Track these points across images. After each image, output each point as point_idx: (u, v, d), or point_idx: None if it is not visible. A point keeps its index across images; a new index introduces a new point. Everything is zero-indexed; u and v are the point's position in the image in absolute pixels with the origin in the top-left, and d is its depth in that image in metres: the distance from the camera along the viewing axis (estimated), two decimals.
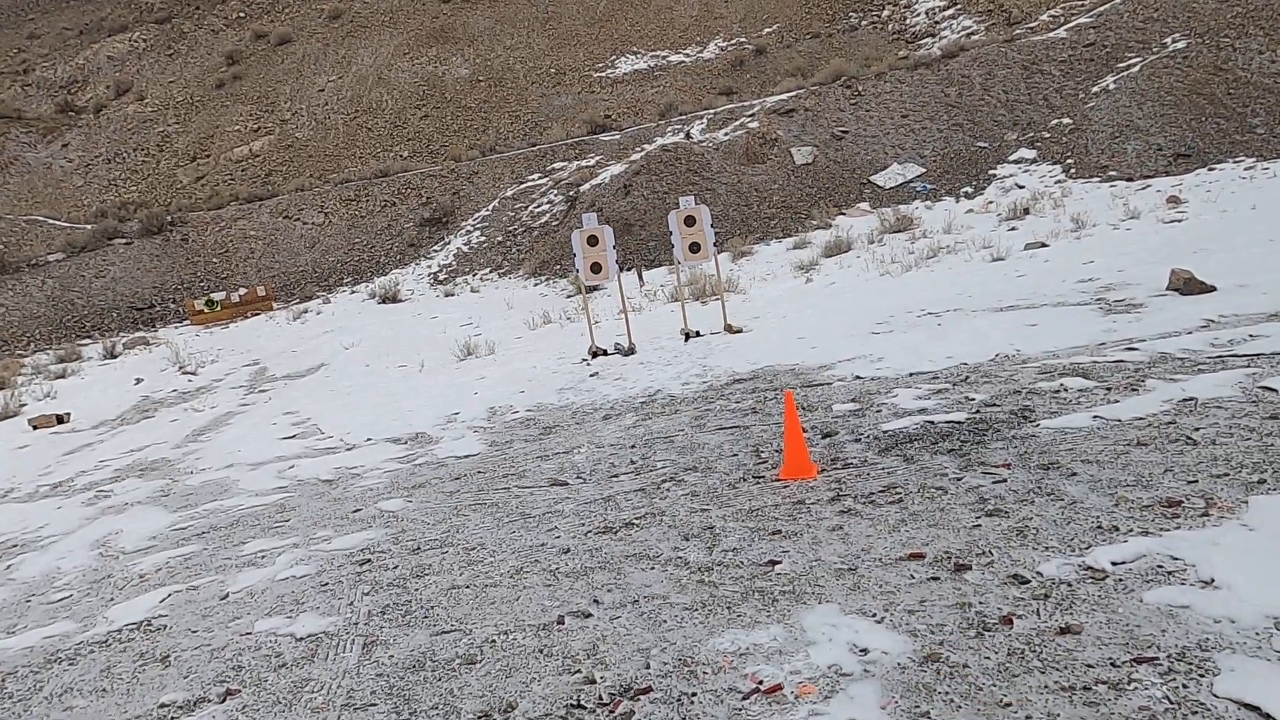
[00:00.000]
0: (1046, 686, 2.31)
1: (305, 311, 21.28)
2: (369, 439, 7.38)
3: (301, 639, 3.48)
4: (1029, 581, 2.88)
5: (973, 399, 5.16)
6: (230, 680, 3.23)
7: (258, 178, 33.52)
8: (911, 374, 6.08)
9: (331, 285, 24.05)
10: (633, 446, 5.56)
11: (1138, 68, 19.06)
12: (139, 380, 14.53)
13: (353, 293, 22.90)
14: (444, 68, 37.23)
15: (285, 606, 3.86)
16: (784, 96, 24.05)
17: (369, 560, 4.27)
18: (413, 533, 4.60)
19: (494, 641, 3.15)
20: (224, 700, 3.07)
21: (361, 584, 3.97)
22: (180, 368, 15.33)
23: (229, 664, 3.37)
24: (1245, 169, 15.16)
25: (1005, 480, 3.79)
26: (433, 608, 3.55)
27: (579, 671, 2.83)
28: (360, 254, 25.48)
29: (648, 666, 2.78)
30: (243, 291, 23.12)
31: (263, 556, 4.65)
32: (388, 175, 28.38)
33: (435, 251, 24.12)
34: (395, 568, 4.10)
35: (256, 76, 40.56)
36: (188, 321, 22.82)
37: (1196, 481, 3.40)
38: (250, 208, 28.19)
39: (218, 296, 22.98)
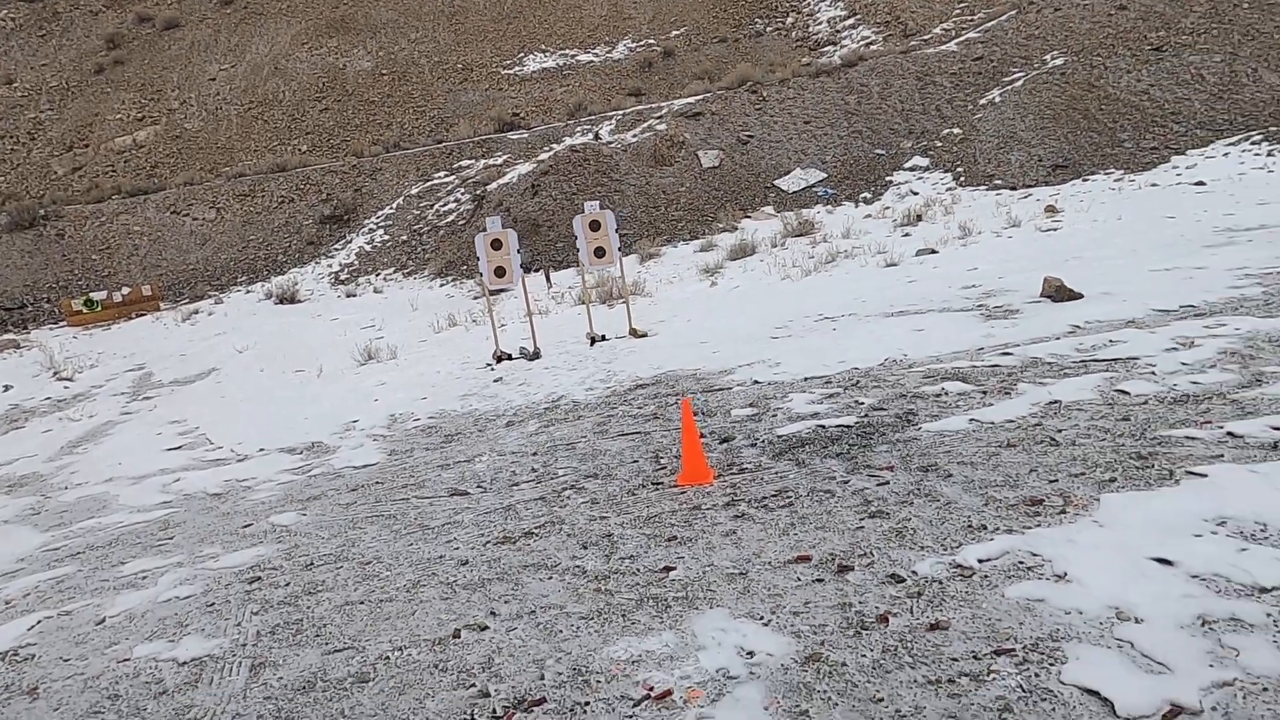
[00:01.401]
0: (915, 681, 2.46)
1: (196, 312, 20.28)
2: (262, 449, 7.13)
3: (185, 663, 3.36)
4: (905, 580, 3.05)
5: (862, 403, 5.39)
6: (105, 711, 3.08)
7: (142, 170, 31.72)
8: (806, 378, 6.30)
9: (224, 285, 23.00)
10: (534, 454, 5.57)
11: (1020, 82, 20.20)
12: (7, 387, 13.56)
13: (248, 293, 21.97)
14: (345, 59, 36.11)
15: (167, 629, 3.70)
16: (691, 100, 24.39)
17: (259, 578, 4.15)
18: (306, 547, 4.49)
19: (388, 658, 3.12)
20: None
21: (250, 603, 3.85)
22: (55, 373, 14.37)
23: (104, 694, 3.22)
24: (1114, 181, 16.29)
25: (888, 483, 3.99)
26: (325, 625, 3.48)
27: (474, 686, 2.83)
28: (256, 252, 24.46)
29: (542, 678, 2.81)
30: (126, 291, 21.82)
31: (144, 577, 4.45)
32: (285, 170, 27.34)
33: (336, 250, 23.40)
34: (287, 585, 3.99)
35: (140, 62, 38.35)
36: (64, 323, 21.39)
37: (1057, 480, 3.66)
38: (134, 201, 26.66)
39: (98, 296, 21.62)
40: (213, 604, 3.91)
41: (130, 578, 4.48)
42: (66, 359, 15.42)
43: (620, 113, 25.77)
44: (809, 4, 34.67)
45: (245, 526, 5.06)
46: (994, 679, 2.40)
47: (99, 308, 21.30)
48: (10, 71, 38.56)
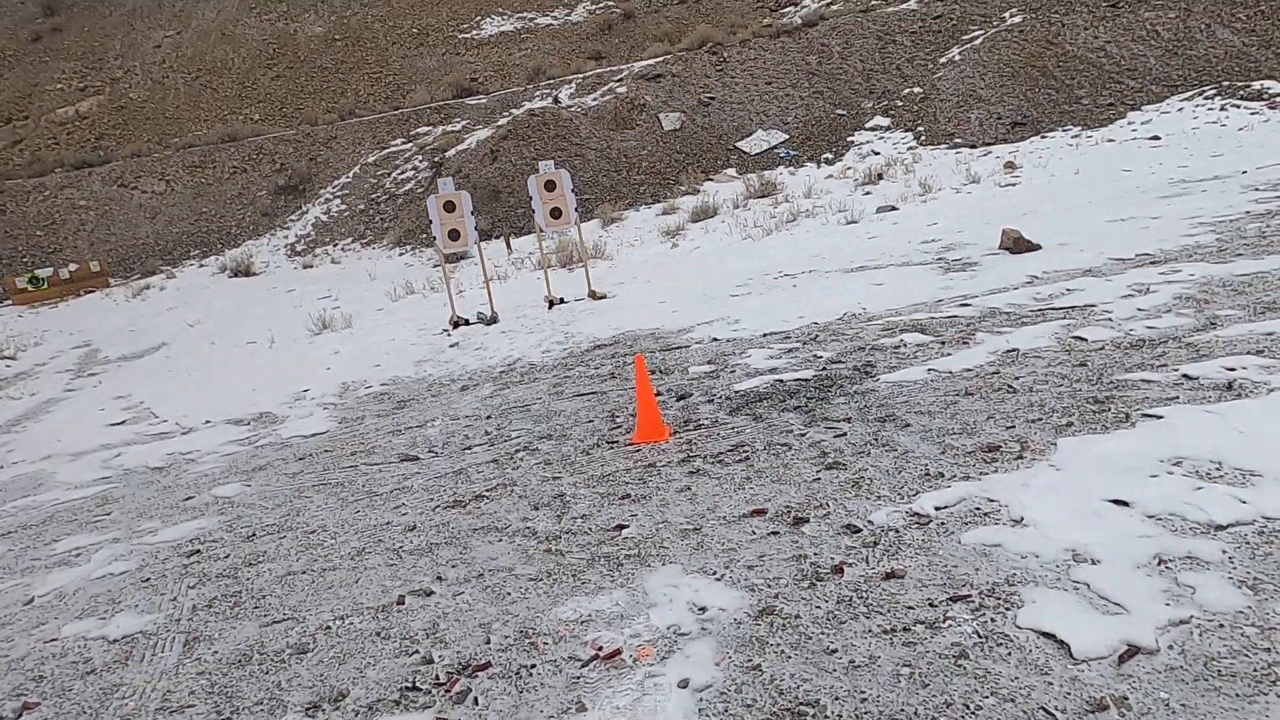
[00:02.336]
0: (870, 630, 2.39)
1: (146, 288, 19.68)
2: (207, 421, 6.88)
3: (115, 641, 3.20)
4: (860, 530, 2.98)
5: (820, 357, 5.31)
6: (29, 693, 2.92)
7: (86, 142, 30.57)
8: (765, 335, 6.21)
9: (176, 259, 22.33)
10: (488, 417, 5.43)
11: (979, 40, 20.13)
12: None
13: (201, 266, 21.35)
14: (295, 25, 34.96)
15: (99, 607, 3.53)
16: (652, 62, 24.00)
17: (198, 551, 3.98)
18: (249, 519, 4.32)
19: (329, 628, 2.99)
20: (19, 716, 2.78)
21: (188, 577, 3.69)
22: None
23: (29, 675, 3.05)
24: (1072, 137, 16.34)
25: (845, 434, 3.91)
26: (264, 597, 3.34)
27: (417, 652, 2.72)
28: (208, 225, 23.75)
29: (488, 641, 2.70)
30: (73, 267, 21.09)
31: (77, 554, 4.25)
32: (237, 140, 26.50)
33: (292, 221, 22.79)
34: (226, 557, 3.83)
35: (80, 30, 36.83)
36: (9, 301, 20.65)
37: (1014, 427, 3.61)
38: (79, 175, 25.69)
39: (43, 273, 20.88)
40: (148, 579, 3.74)
41: (63, 556, 4.28)
42: (9, 337, 14.87)
43: (580, 76, 25.30)
44: None
45: (186, 499, 4.87)
46: (950, 626, 2.34)
47: (45, 285, 20.58)
48: None
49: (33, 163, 28.26)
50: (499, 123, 22.55)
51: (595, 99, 22.38)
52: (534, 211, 9.36)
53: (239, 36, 34.99)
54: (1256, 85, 16.45)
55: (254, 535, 4.05)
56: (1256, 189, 8.67)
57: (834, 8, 27.58)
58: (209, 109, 31.84)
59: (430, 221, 9.24)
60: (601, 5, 34.09)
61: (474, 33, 33.95)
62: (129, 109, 32.79)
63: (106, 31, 36.61)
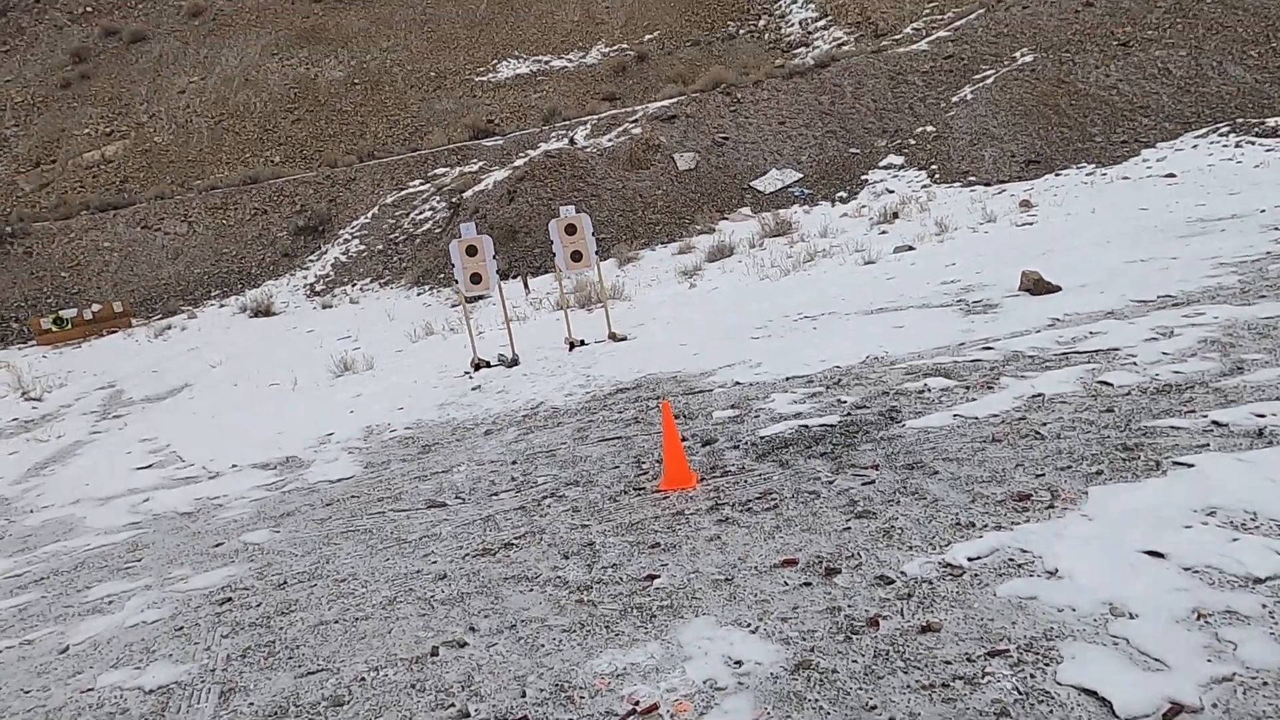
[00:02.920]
0: (909, 686, 2.39)
1: (168, 328, 19.95)
2: (234, 465, 6.96)
3: (151, 691, 3.22)
4: (894, 582, 2.98)
5: (844, 401, 5.33)
6: None
7: (111, 185, 31.24)
8: (788, 378, 6.24)
9: (197, 299, 22.66)
10: (514, 462, 5.46)
11: (991, 79, 20.34)
12: None
13: (221, 306, 21.65)
14: (316, 70, 35.79)
15: (134, 656, 3.56)
16: (666, 103, 24.37)
17: (230, 599, 4.01)
18: (279, 566, 4.35)
19: (363, 679, 3.00)
20: None
21: (221, 625, 3.71)
22: (23, 393, 14.05)
23: None
24: (1087, 175, 16.41)
25: (873, 481, 3.92)
26: (298, 647, 3.36)
27: (453, 705, 2.73)
28: (229, 265, 24.13)
29: (524, 695, 2.71)
30: (96, 308, 21.43)
31: (110, 602, 4.29)
32: (258, 182, 27.02)
33: (311, 261, 23.12)
34: (259, 605, 3.86)
35: (108, 76, 37.83)
36: (33, 342, 20.97)
37: (1043, 475, 3.61)
38: (103, 217, 26.23)
39: (68, 314, 21.22)
40: (181, 628, 3.77)
41: (96, 603, 4.32)
42: (35, 379, 15.09)
43: (595, 117, 25.70)
44: (781, 6, 34.83)
45: (216, 546, 4.91)
46: (989, 681, 2.33)
47: (69, 326, 20.91)
48: None
49: (59, 205, 28.89)
50: (515, 164, 22.89)
51: (610, 140, 22.71)
52: (554, 254, 9.49)
53: (261, 82, 35.84)
54: (1271, 122, 16.50)
55: (285, 583, 4.08)
56: (1277, 228, 8.67)
57: (845, 48, 27.98)
58: (231, 152, 32.52)
59: (452, 264, 9.37)
60: (615, 48, 34.74)
61: (490, 76, 34.63)
62: (153, 152, 33.53)
63: (133, 78, 37.58)
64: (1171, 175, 14.76)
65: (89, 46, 39.26)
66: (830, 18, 32.73)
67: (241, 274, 23.54)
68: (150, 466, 7.62)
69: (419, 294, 19.00)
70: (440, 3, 38.88)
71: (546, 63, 34.83)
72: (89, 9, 42.72)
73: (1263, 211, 9.91)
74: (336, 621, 3.53)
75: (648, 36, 34.94)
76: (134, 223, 25.87)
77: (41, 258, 24.68)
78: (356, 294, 20.35)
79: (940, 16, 27.16)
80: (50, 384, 14.79)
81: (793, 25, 33.50)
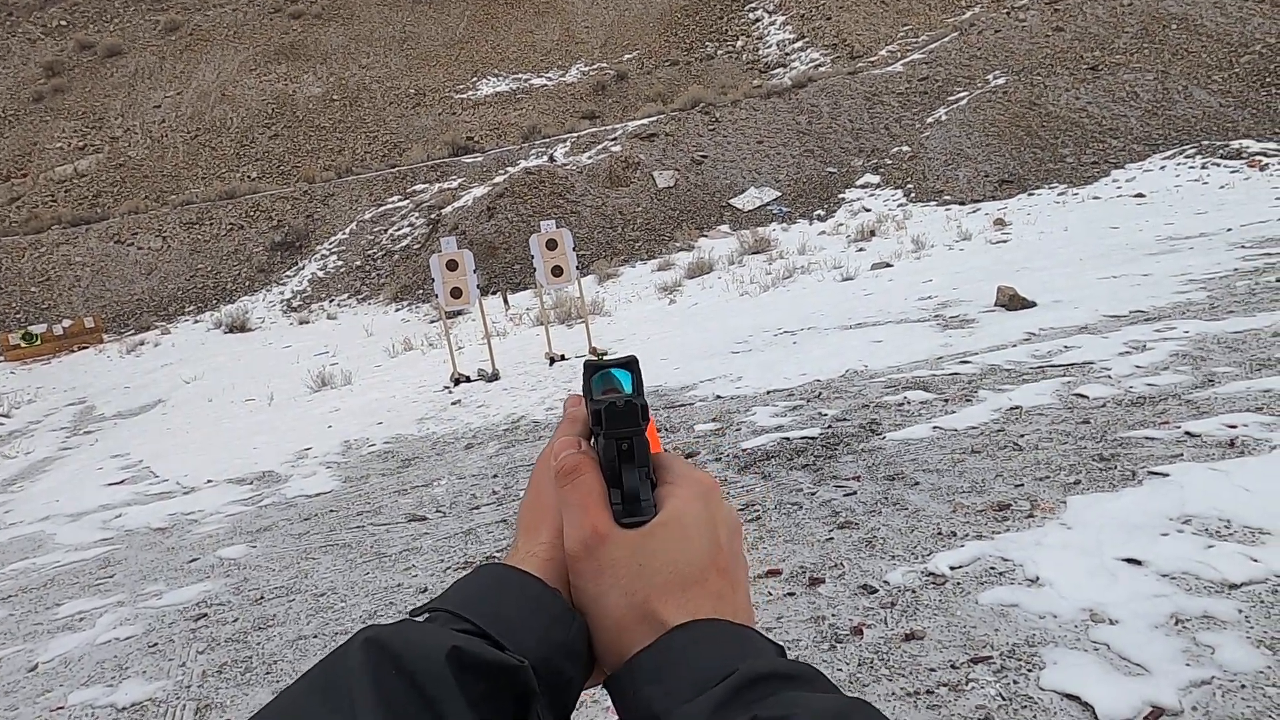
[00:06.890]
0: (894, 693, 2.39)
1: (141, 344, 19.68)
2: (209, 481, 6.85)
3: (124, 709, 3.15)
4: (877, 591, 2.99)
5: (825, 414, 5.36)
6: None
7: (84, 199, 30.86)
8: (769, 391, 6.27)
9: (172, 315, 22.38)
10: (495, 476, 5.43)
11: (965, 101, 20.71)
12: None
13: (196, 322, 21.40)
14: (295, 85, 35.69)
15: (106, 674, 3.48)
16: (645, 121, 24.55)
17: (205, 614, 3.94)
18: (256, 581, 4.28)
19: None
20: None
21: (196, 641, 3.65)
22: None
23: None
24: (1059, 194, 16.73)
25: (855, 493, 3.94)
26: (276, 662, 3.30)
27: None
28: (204, 281, 23.88)
29: None
30: (67, 323, 21.10)
31: (81, 619, 4.20)
32: (234, 197, 26.83)
33: (288, 277, 22.94)
34: (235, 621, 3.79)
35: (82, 90, 37.47)
36: (2, 358, 20.59)
37: (1022, 485, 3.65)
38: (75, 232, 25.89)
39: (37, 329, 20.87)
40: (155, 644, 3.69)
41: (66, 620, 4.23)
42: (2, 395, 14.80)
43: (575, 135, 25.83)
44: (759, 28, 35.28)
45: (191, 561, 4.82)
46: (973, 688, 2.34)
47: (38, 341, 20.55)
48: None
49: (30, 220, 28.47)
50: (495, 180, 22.93)
51: (590, 157, 22.82)
52: (535, 269, 9.49)
53: (238, 97, 35.67)
54: (1235, 144, 16.93)
55: (262, 598, 4.02)
56: (1243, 246, 8.88)
57: (822, 69, 28.37)
58: (207, 167, 32.28)
59: (431, 279, 9.34)
60: (595, 67, 34.99)
61: (470, 93, 34.72)
62: (128, 167, 33.19)
63: (107, 92, 37.26)
64: (1141, 195, 15.08)
65: (63, 60, 38.91)
66: (807, 39, 33.20)
67: (217, 290, 23.30)
68: (123, 482, 7.49)
69: (397, 310, 18.90)
70: (420, 20, 39.01)
71: (526, 81, 34.99)
72: (63, 22, 42.39)
73: (1229, 230, 10.15)
74: (315, 636, 3.48)
75: (627, 56, 35.24)
76: (107, 238, 25.55)
77: (10, 272, 24.28)
78: (334, 310, 20.21)
79: (914, 39, 27.64)
80: (19, 400, 14.52)
81: (770, 46, 33.93)
